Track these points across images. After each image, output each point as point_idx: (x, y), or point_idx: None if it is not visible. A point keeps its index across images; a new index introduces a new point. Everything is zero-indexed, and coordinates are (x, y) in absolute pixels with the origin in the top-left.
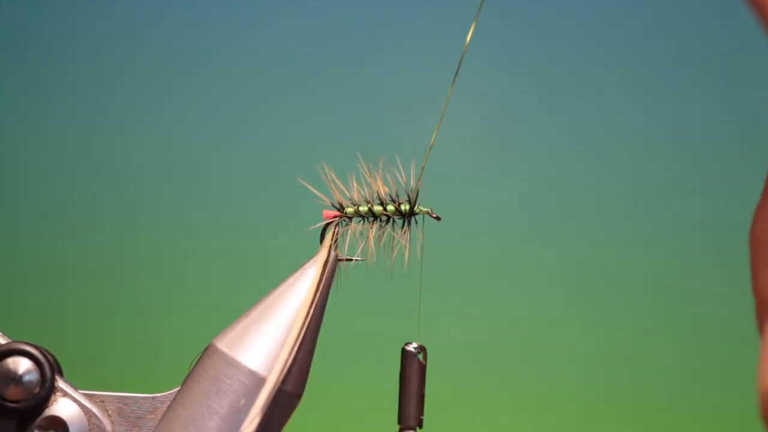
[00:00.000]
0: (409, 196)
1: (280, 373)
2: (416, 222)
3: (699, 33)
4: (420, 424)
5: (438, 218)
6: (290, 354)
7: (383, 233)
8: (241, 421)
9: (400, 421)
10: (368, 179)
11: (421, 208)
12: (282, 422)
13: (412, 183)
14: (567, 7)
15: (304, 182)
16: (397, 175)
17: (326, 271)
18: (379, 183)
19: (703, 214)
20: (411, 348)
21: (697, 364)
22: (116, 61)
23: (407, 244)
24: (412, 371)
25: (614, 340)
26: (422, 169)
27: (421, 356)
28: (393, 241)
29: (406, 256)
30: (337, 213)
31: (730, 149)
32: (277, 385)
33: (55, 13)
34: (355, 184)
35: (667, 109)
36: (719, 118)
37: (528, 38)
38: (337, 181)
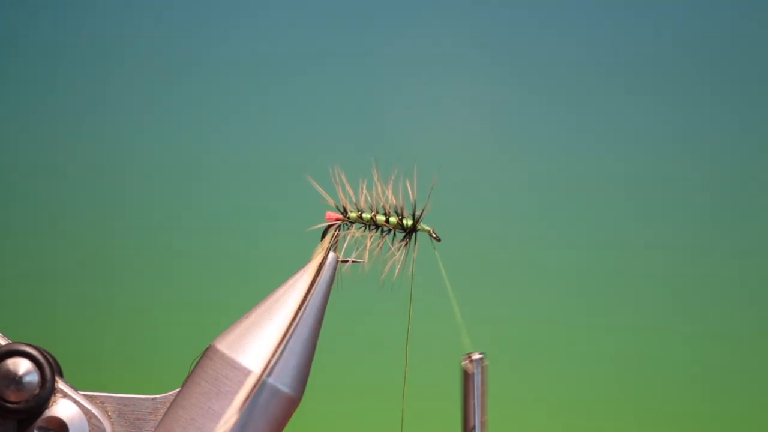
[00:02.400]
0: (414, 213)
1: (266, 364)
2: (416, 239)
3: (707, 32)
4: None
5: (438, 239)
6: (279, 345)
7: (382, 243)
8: (243, 423)
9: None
10: (377, 188)
11: (424, 226)
12: (281, 424)
13: (418, 200)
14: (571, 9)
15: (312, 181)
16: (407, 189)
17: (322, 272)
18: (388, 193)
19: (713, 215)
20: (474, 368)
21: (710, 365)
22: (114, 60)
23: (401, 258)
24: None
25: (620, 347)
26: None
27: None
28: (389, 253)
29: (397, 269)
30: (340, 216)
31: (738, 149)
32: (263, 376)
33: (46, 12)
34: (364, 191)
35: (675, 110)
36: (728, 118)
37: (536, 42)
38: (346, 184)
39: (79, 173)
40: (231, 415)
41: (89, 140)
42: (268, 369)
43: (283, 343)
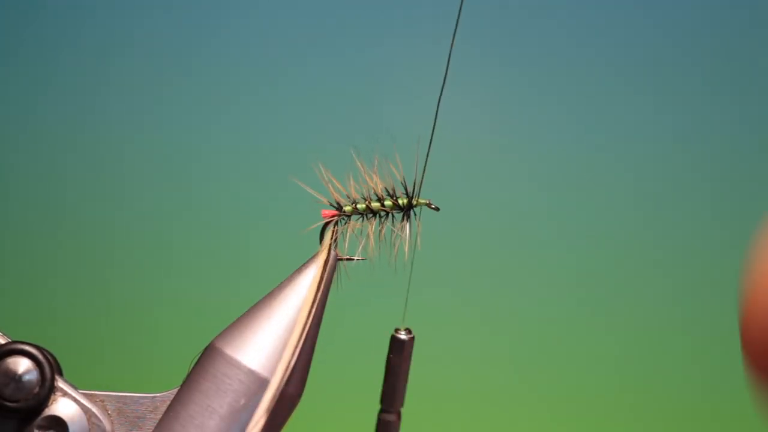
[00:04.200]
0: (406, 190)
1: (284, 375)
2: (415, 214)
3: (706, 31)
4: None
5: (437, 209)
6: (293, 355)
7: (383, 228)
8: (243, 421)
9: (389, 406)
10: (364, 176)
11: (420, 200)
12: (282, 422)
13: (410, 176)
14: (574, 5)
15: (301, 183)
16: (393, 169)
17: (326, 270)
18: (375, 179)
19: (714, 215)
20: (404, 336)
21: (709, 365)
22: (109, 61)
23: (407, 237)
24: (407, 358)
25: (621, 347)
26: (423, 167)
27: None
28: (393, 236)
29: (406, 249)
30: (336, 212)
31: (740, 150)
32: (281, 387)
33: (44, 13)
34: (352, 182)
35: (677, 110)
36: (730, 119)
37: (536, 33)
38: (333, 180)
39: (79, 173)
40: (255, 424)
41: (89, 140)
42: (286, 377)
43: (297, 351)
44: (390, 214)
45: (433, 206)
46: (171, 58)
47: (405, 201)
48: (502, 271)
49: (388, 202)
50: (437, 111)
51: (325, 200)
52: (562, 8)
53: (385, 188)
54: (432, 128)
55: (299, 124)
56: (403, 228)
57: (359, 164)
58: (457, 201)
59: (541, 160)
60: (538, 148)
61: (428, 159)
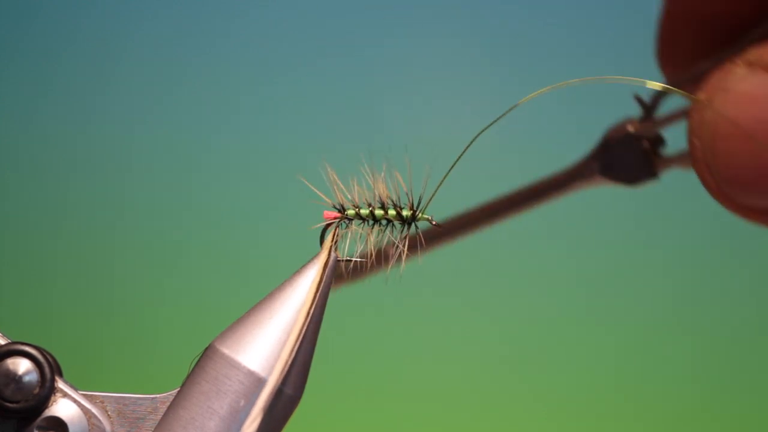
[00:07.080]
0: (411, 202)
1: (281, 374)
2: (416, 228)
3: None
4: None
5: (438, 226)
6: (290, 355)
7: (383, 237)
8: (242, 421)
9: None
10: (371, 182)
11: (423, 215)
12: (282, 423)
13: (417, 189)
14: (578, 10)
15: (306, 181)
16: (401, 180)
17: (326, 272)
18: (382, 186)
19: (714, 215)
20: None
21: (710, 365)
22: (112, 60)
23: (406, 249)
24: None
25: (616, 339)
26: (433, 182)
27: None
28: (392, 246)
29: (403, 260)
30: (338, 214)
31: None
32: (277, 386)
33: (46, 12)
34: (357, 187)
35: None
36: None
37: (536, 35)
38: (339, 182)
39: (80, 173)
40: (249, 424)
41: (89, 140)
42: (282, 377)
43: (294, 350)
44: (392, 224)
45: (434, 223)
46: (174, 59)
47: (408, 213)
48: (503, 272)
49: (391, 212)
50: (467, 147)
51: (328, 201)
52: (563, 9)
53: (390, 197)
54: (456, 159)
55: (303, 125)
56: (403, 239)
57: (368, 169)
58: (458, 200)
59: (541, 161)
60: (538, 149)
61: (429, 168)
